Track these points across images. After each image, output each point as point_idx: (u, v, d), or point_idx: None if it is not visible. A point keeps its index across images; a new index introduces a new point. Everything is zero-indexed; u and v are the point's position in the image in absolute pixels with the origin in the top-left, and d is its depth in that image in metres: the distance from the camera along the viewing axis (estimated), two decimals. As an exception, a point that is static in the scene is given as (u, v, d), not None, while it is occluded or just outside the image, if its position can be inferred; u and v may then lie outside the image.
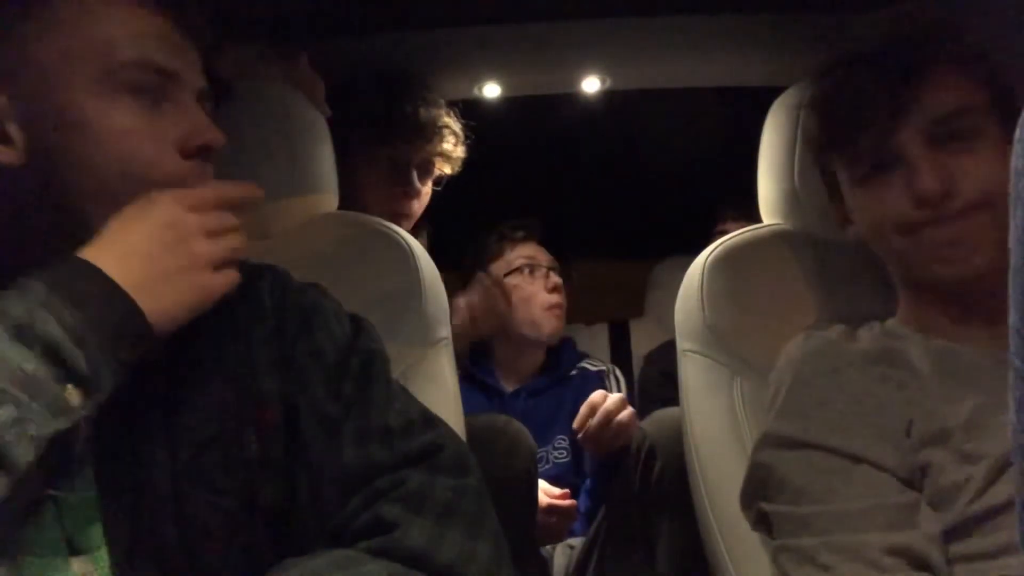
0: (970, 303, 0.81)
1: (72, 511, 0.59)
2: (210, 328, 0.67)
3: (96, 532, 0.59)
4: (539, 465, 1.54)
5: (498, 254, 1.72)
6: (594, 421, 1.34)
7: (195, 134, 0.66)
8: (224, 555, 0.62)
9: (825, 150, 0.89)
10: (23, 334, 0.51)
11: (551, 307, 1.64)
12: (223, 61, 1.01)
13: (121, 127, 0.62)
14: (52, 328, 0.52)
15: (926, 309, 0.85)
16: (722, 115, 1.81)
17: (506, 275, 1.68)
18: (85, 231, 0.61)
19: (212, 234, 0.61)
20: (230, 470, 0.63)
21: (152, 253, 0.58)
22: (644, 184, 2.16)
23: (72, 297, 0.53)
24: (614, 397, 1.37)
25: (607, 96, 1.49)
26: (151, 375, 0.64)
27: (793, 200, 1.02)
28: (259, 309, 0.71)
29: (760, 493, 0.80)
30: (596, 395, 1.39)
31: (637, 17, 1.23)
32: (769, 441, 0.81)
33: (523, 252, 1.70)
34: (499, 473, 1.10)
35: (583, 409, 1.37)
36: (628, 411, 1.35)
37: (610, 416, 1.34)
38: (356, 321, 0.75)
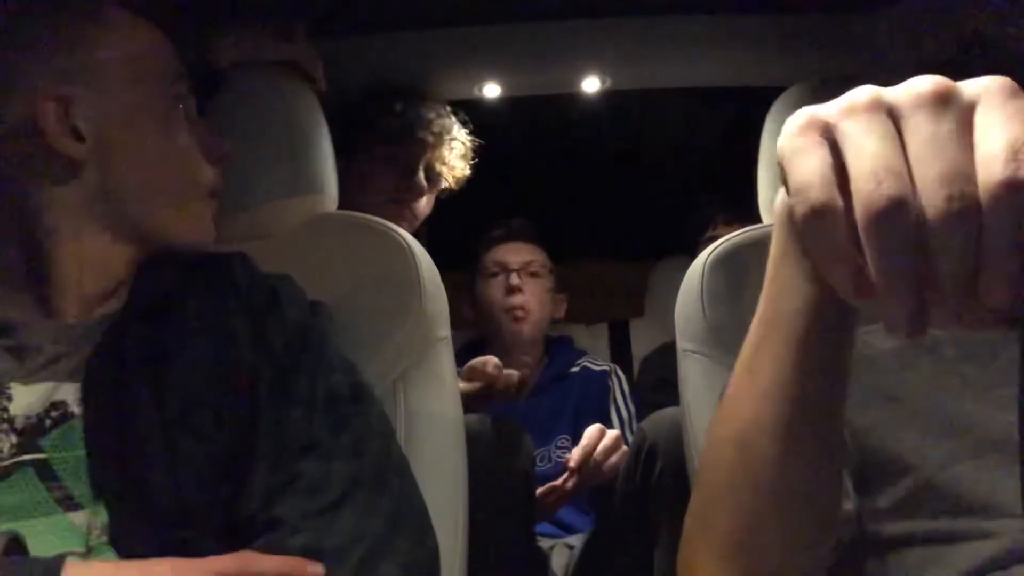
0: None
1: (69, 470, 0.61)
2: (192, 300, 0.72)
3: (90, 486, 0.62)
4: (541, 464, 1.55)
5: (478, 257, 1.77)
6: (597, 454, 1.33)
7: (217, 147, 0.74)
8: (210, 503, 0.64)
9: None
10: None
11: (508, 309, 1.66)
12: (221, 46, 1.01)
13: (180, 142, 0.71)
14: None
15: None
16: (722, 115, 1.81)
17: (481, 279, 1.73)
18: (131, 230, 0.70)
19: None
20: (218, 422, 0.66)
21: None
22: (644, 184, 2.17)
23: None
24: (610, 436, 1.36)
25: (607, 96, 1.49)
26: (136, 338, 0.67)
27: (793, 200, 1.01)
28: (233, 285, 0.75)
29: None
30: (594, 430, 1.37)
31: (637, 17, 1.23)
32: None
33: (495, 256, 1.73)
34: (498, 473, 1.11)
35: (583, 445, 1.34)
36: (621, 451, 1.35)
37: (608, 454, 1.34)
38: (314, 304, 0.79)
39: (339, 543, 0.61)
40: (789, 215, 0.43)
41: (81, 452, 0.62)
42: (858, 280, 0.34)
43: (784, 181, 0.40)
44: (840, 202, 0.33)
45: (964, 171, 0.31)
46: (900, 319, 0.32)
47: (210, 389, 0.67)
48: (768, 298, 0.47)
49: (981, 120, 0.32)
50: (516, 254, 1.73)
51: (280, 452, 0.65)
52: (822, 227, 0.33)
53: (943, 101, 0.33)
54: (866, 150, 0.32)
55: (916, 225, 0.31)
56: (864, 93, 0.35)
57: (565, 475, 1.35)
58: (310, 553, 0.59)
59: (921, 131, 0.33)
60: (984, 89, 0.33)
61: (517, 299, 1.67)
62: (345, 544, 0.61)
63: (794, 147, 0.36)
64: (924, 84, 0.34)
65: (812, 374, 0.45)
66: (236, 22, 1.04)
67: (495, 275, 1.71)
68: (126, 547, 0.60)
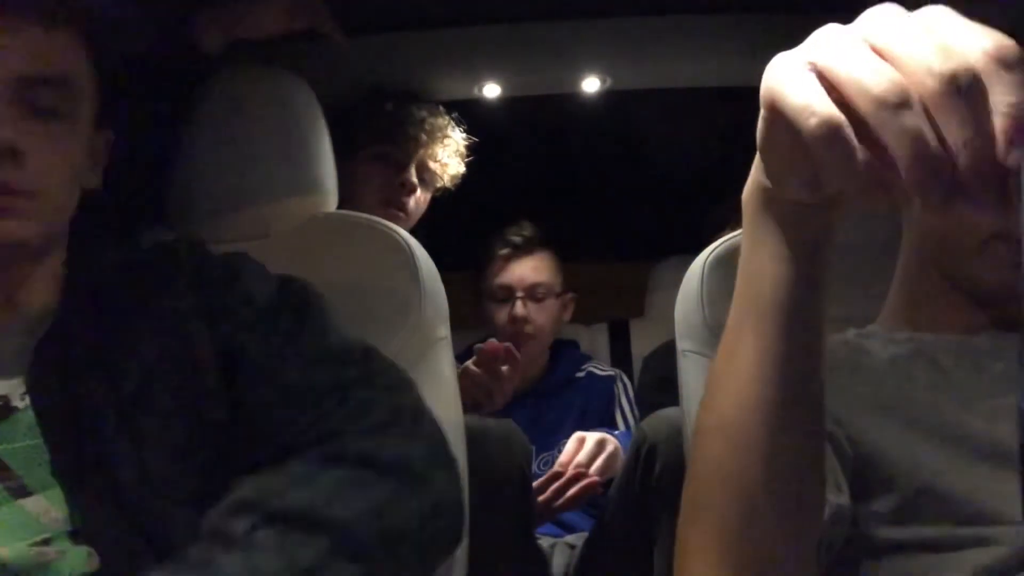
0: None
1: (18, 459, 0.62)
2: (133, 288, 0.72)
3: (46, 473, 0.62)
4: (546, 467, 1.55)
5: (483, 273, 1.72)
6: (556, 485, 1.34)
7: None
8: (179, 472, 0.65)
9: None
10: None
11: (513, 335, 1.62)
12: (205, 29, 0.99)
13: None
14: None
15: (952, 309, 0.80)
16: (722, 115, 1.81)
17: (486, 299, 1.70)
18: None
19: None
20: (178, 395, 0.67)
21: None
22: (644, 184, 2.16)
23: None
24: (591, 440, 1.37)
25: (607, 96, 1.49)
26: (79, 326, 0.68)
27: (793, 200, 1.01)
28: (178, 268, 0.74)
29: None
30: (564, 455, 1.39)
31: (637, 17, 1.23)
32: None
33: (501, 280, 1.68)
34: (494, 472, 1.11)
35: (544, 480, 1.36)
36: (607, 453, 1.36)
37: (574, 479, 1.34)
38: (284, 277, 0.78)
39: (395, 456, 0.64)
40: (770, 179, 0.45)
41: (29, 442, 0.63)
42: (879, 179, 0.35)
43: (762, 143, 0.41)
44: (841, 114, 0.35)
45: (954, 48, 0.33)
46: (933, 185, 0.32)
47: (165, 365, 0.68)
48: (744, 285, 0.49)
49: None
50: (521, 278, 1.67)
51: (312, 393, 0.68)
52: (834, 135, 0.34)
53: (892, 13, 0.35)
54: (851, 60, 0.34)
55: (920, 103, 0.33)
56: (823, 29, 0.37)
57: (553, 487, 1.35)
58: (368, 461, 0.62)
59: (889, 31, 0.34)
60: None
61: (522, 327, 1.65)
62: (400, 460, 0.64)
63: (781, 81, 0.37)
64: (876, 11, 0.36)
65: (791, 353, 0.46)
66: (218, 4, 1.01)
67: (501, 300, 1.68)
68: (92, 529, 0.62)
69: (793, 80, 0.37)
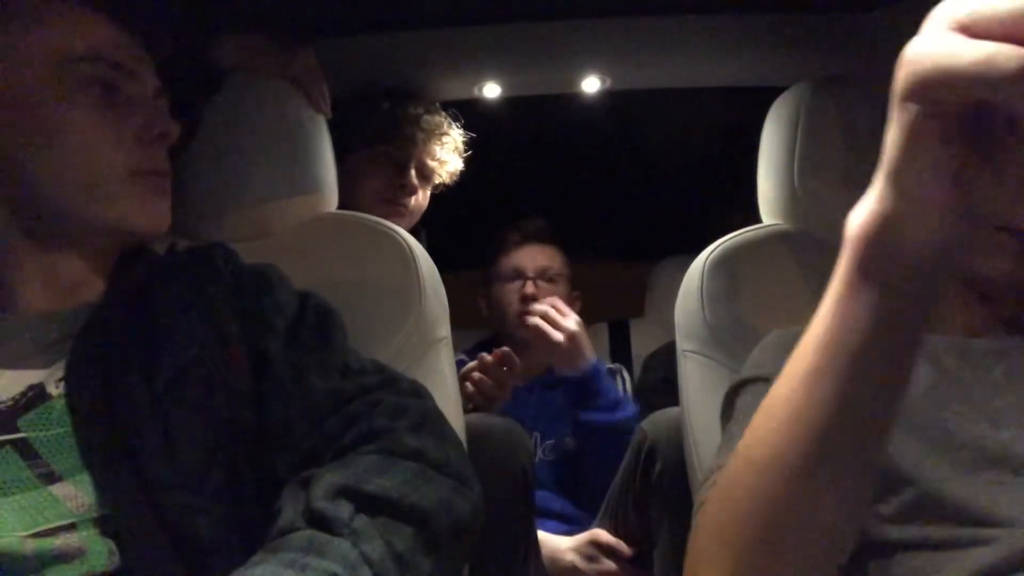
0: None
1: (49, 447, 0.63)
2: (174, 284, 0.75)
3: (75, 460, 0.63)
4: (549, 454, 1.56)
5: (495, 259, 1.76)
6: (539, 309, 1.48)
7: (152, 123, 0.71)
8: (206, 467, 0.66)
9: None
10: None
11: (519, 314, 1.65)
12: (221, 50, 1.00)
13: (79, 123, 0.67)
14: None
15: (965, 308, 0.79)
16: (722, 115, 1.81)
17: (497, 282, 1.72)
18: (58, 220, 0.69)
19: None
20: (211, 391, 0.69)
21: None
22: (644, 184, 2.16)
23: None
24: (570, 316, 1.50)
25: (607, 96, 1.49)
26: (120, 319, 0.70)
27: (793, 200, 1.02)
28: (215, 272, 0.77)
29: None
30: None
31: (637, 17, 1.23)
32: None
33: (512, 262, 1.72)
34: (496, 472, 1.11)
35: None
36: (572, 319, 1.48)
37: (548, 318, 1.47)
38: (302, 292, 0.82)
39: (439, 457, 0.67)
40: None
41: (61, 430, 0.64)
42: None
43: (905, 154, 0.36)
44: None
45: None
46: None
47: (200, 361, 0.70)
48: (835, 327, 0.44)
49: None
50: (532, 260, 1.71)
51: (338, 399, 0.71)
52: None
53: None
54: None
55: None
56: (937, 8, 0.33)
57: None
58: (418, 454, 0.66)
59: None
60: None
61: (531, 306, 1.66)
62: (443, 460, 0.67)
63: (935, 59, 0.32)
64: None
65: (876, 410, 0.44)
66: (241, 27, 1.03)
67: (511, 280, 1.71)
68: (118, 517, 0.62)
69: (950, 50, 0.31)
